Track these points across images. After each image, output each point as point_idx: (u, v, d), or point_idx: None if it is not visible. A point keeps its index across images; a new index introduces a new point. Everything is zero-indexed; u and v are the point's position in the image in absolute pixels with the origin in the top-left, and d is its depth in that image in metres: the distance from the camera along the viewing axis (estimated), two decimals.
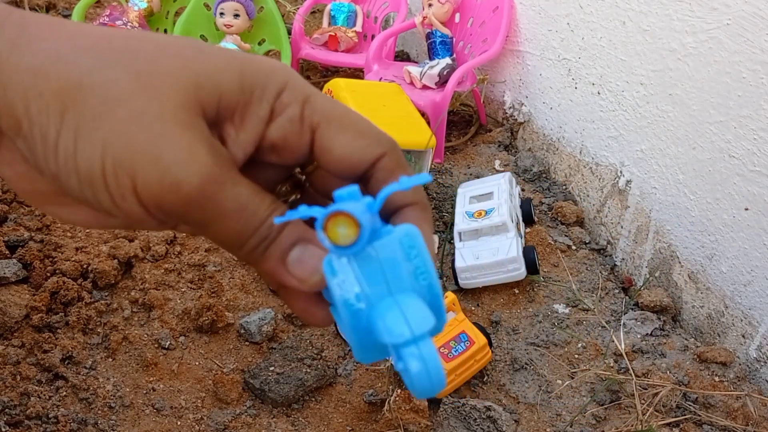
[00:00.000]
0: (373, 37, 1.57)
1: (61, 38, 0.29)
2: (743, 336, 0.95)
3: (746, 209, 0.91)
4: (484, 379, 0.86)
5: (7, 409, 0.79)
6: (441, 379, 0.34)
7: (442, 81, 1.37)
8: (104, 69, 0.28)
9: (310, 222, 0.31)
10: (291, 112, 0.31)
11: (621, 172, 1.14)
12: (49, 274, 0.96)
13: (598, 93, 1.15)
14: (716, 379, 0.87)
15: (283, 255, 0.30)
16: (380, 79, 1.40)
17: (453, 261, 1.07)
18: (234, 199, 0.28)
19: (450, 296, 0.88)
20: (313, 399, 0.85)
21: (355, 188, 0.33)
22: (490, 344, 0.87)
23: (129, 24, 1.52)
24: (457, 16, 1.47)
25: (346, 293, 0.32)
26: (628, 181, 1.12)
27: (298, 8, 1.68)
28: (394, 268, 0.36)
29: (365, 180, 0.33)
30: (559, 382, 0.86)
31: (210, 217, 0.28)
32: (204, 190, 0.27)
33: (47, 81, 0.27)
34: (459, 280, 1.05)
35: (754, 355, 0.94)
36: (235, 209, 0.28)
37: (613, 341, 0.92)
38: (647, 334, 0.94)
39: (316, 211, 0.30)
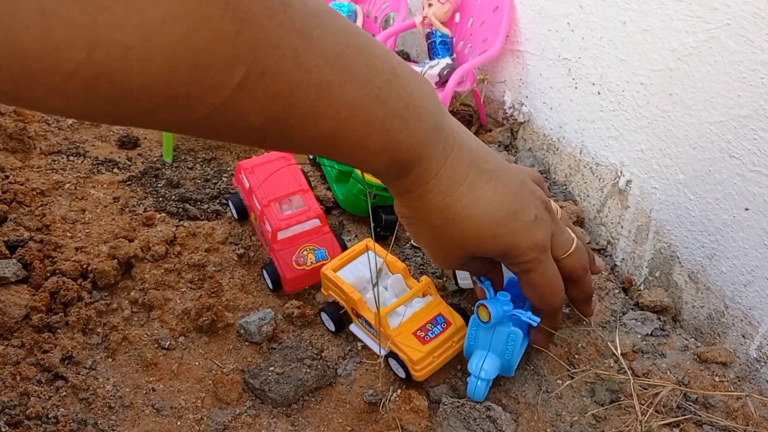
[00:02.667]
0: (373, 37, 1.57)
1: (484, 202, 0.62)
2: (743, 336, 0.95)
3: (746, 209, 0.91)
4: None
5: (7, 409, 0.79)
6: (479, 398, 0.78)
7: (442, 81, 1.37)
8: (452, 229, 0.62)
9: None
10: (514, 270, 0.67)
11: (621, 172, 1.13)
12: (48, 274, 0.96)
13: (598, 93, 1.15)
14: (716, 379, 0.87)
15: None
16: None
17: None
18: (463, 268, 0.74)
19: (425, 280, 0.87)
20: (313, 399, 0.85)
21: (507, 298, 0.73)
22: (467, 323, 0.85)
23: None
24: (457, 16, 1.47)
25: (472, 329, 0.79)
26: (629, 181, 1.12)
27: None
28: (497, 341, 0.74)
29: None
30: (559, 382, 0.86)
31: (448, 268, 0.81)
32: (448, 268, 0.79)
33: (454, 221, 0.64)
34: (458, 280, 1.05)
35: (755, 355, 0.94)
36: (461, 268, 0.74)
37: (614, 341, 0.92)
38: (647, 334, 0.94)
39: (486, 298, 0.75)
